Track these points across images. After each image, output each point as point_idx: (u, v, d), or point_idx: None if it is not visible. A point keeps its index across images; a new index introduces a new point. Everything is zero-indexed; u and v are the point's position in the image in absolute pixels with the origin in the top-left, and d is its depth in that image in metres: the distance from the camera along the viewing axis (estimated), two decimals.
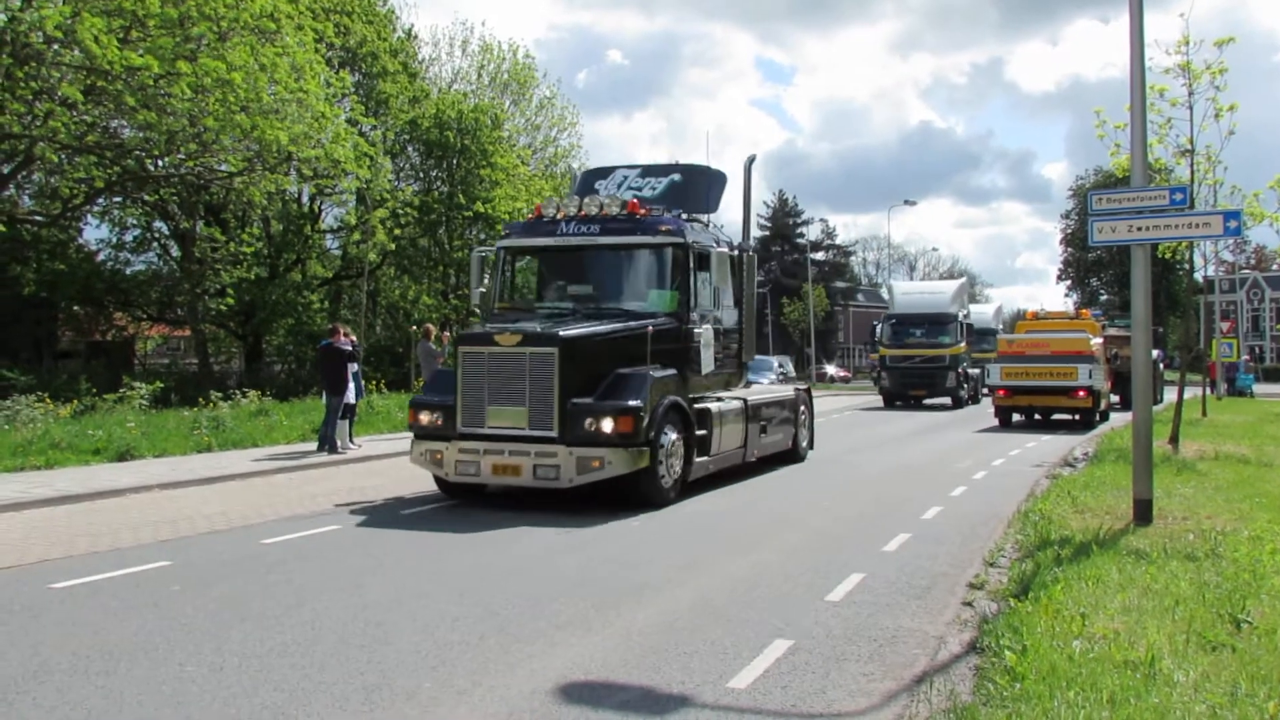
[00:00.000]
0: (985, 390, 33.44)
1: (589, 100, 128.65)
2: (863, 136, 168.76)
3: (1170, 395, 26.12)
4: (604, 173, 15.36)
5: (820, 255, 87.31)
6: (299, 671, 5.76)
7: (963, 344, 35.14)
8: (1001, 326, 42.65)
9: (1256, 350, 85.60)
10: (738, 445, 14.18)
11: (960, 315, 35.81)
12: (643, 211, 13.11)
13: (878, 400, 37.86)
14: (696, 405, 12.96)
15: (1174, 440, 17.42)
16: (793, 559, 9.02)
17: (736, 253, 14.43)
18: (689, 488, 12.90)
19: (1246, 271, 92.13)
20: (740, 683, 5.56)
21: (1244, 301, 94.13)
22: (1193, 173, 16.02)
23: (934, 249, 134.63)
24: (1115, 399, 30.06)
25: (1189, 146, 15.90)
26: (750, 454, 14.65)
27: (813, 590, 7.71)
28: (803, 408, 17.33)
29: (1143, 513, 9.95)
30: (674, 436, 12.13)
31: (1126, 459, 13.06)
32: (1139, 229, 10.09)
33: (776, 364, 38.64)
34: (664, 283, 13.00)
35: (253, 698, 5.33)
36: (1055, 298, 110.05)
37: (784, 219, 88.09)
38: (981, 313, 42.98)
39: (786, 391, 17.15)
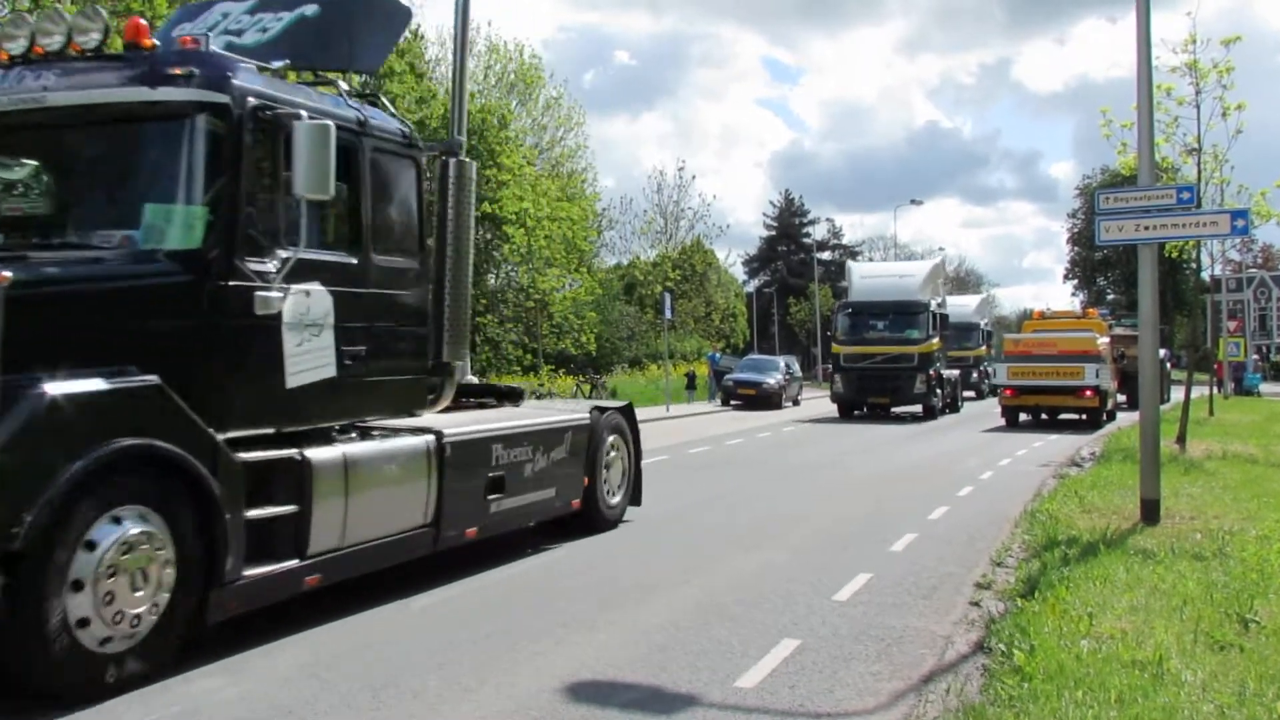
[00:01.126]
0: (970, 394, 32.25)
1: (596, 101, 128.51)
2: (869, 136, 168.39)
3: (1177, 395, 26.07)
4: (199, 9, 8.38)
5: (826, 255, 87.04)
6: (305, 670, 5.77)
7: (935, 340, 28.55)
8: (986, 322, 39.15)
9: (1264, 349, 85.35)
10: (406, 525, 7.45)
11: (933, 305, 29.17)
12: (148, 44, 6.58)
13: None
14: (255, 453, 6.28)
15: (1181, 440, 17.38)
16: (799, 558, 9.01)
17: (406, 145, 8.03)
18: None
19: (1254, 270, 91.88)
20: (748, 682, 5.56)
21: (1251, 300, 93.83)
22: (1200, 172, 15.99)
23: (940, 248, 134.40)
24: (1122, 399, 30.01)
25: (1196, 145, 15.90)
26: (455, 530, 7.97)
27: (820, 590, 7.70)
28: (611, 441, 10.48)
29: (1150, 512, 9.93)
30: (131, 531, 5.36)
31: (1133, 459, 13.03)
32: (1146, 228, 10.06)
33: (784, 364, 38.52)
34: (177, 182, 6.30)
35: (260, 698, 5.34)
36: (1062, 297, 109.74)
37: (790, 218, 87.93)
38: (961, 305, 38.16)
39: (560, 416, 9.84)
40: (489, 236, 38.33)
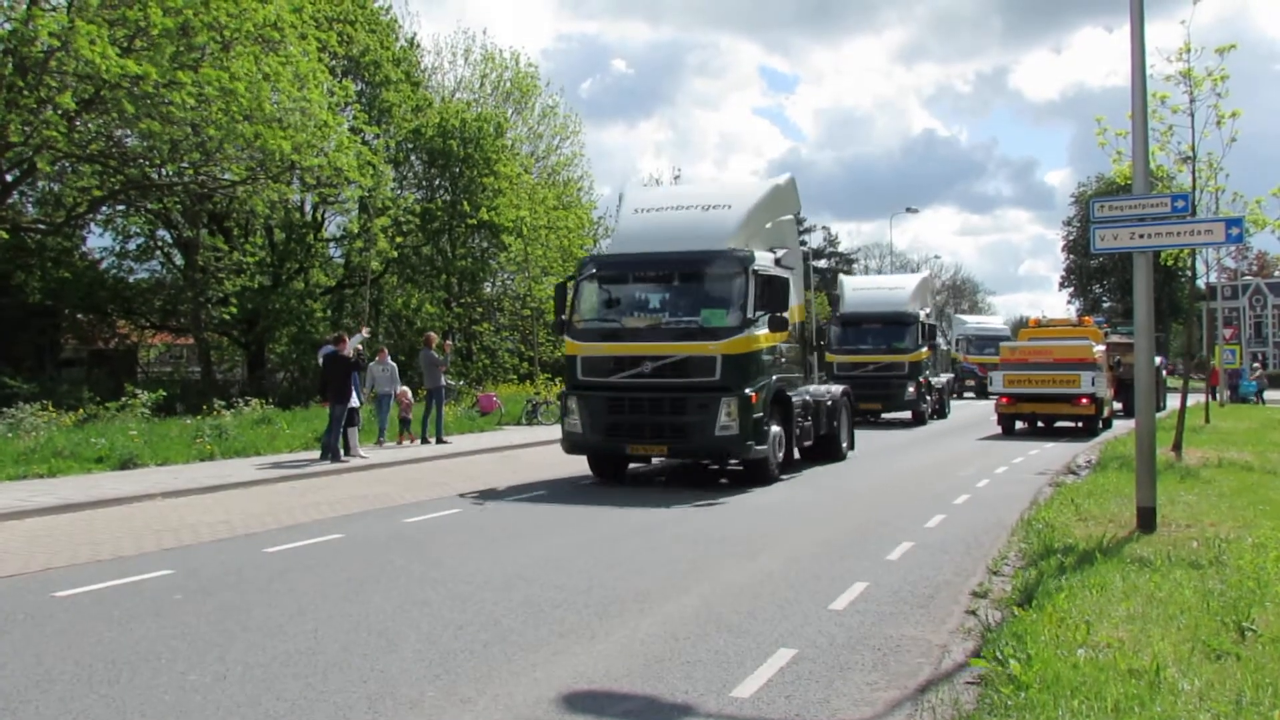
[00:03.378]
0: (903, 417, 29.45)
1: (594, 109, 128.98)
2: (866, 145, 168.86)
3: (1173, 402, 26.09)
4: None
5: (822, 263, 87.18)
6: (302, 681, 5.75)
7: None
8: (928, 313, 32.04)
9: (1261, 356, 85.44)
10: None
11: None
12: None
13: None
14: None
15: (1177, 447, 17.39)
16: (795, 567, 9.01)
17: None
18: None
19: (1249, 278, 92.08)
20: (744, 692, 5.55)
21: (1246, 308, 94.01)
22: (1194, 180, 16.04)
23: (936, 256, 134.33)
24: (1118, 406, 30.01)
25: (1191, 154, 15.93)
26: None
27: (816, 599, 7.70)
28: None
29: (1146, 520, 9.93)
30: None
31: (1130, 466, 13.04)
32: (1141, 236, 10.09)
33: None
34: None
35: (256, 707, 5.32)
36: (1058, 305, 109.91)
37: None
38: (891, 290, 32.14)
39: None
40: (485, 245, 38.30)
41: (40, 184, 30.23)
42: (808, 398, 16.97)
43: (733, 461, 15.59)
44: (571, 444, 15.38)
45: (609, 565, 9.08)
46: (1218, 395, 42.54)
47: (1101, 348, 26.90)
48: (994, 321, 60.76)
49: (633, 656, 6.22)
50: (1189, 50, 15.46)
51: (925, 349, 29.65)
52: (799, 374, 17.03)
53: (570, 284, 15.75)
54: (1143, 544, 9.18)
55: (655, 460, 16.85)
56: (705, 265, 14.97)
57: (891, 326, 29.49)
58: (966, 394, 47.88)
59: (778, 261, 15.74)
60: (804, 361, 17.54)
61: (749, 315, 14.50)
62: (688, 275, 15.21)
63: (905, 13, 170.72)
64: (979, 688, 5.50)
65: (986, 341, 48.76)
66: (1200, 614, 6.60)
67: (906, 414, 29.74)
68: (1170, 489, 12.53)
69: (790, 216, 18.16)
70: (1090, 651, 5.77)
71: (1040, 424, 26.53)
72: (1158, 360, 23.50)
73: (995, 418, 26.67)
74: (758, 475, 15.07)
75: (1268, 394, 51.84)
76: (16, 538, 10.53)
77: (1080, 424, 25.97)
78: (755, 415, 14.45)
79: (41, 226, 31.15)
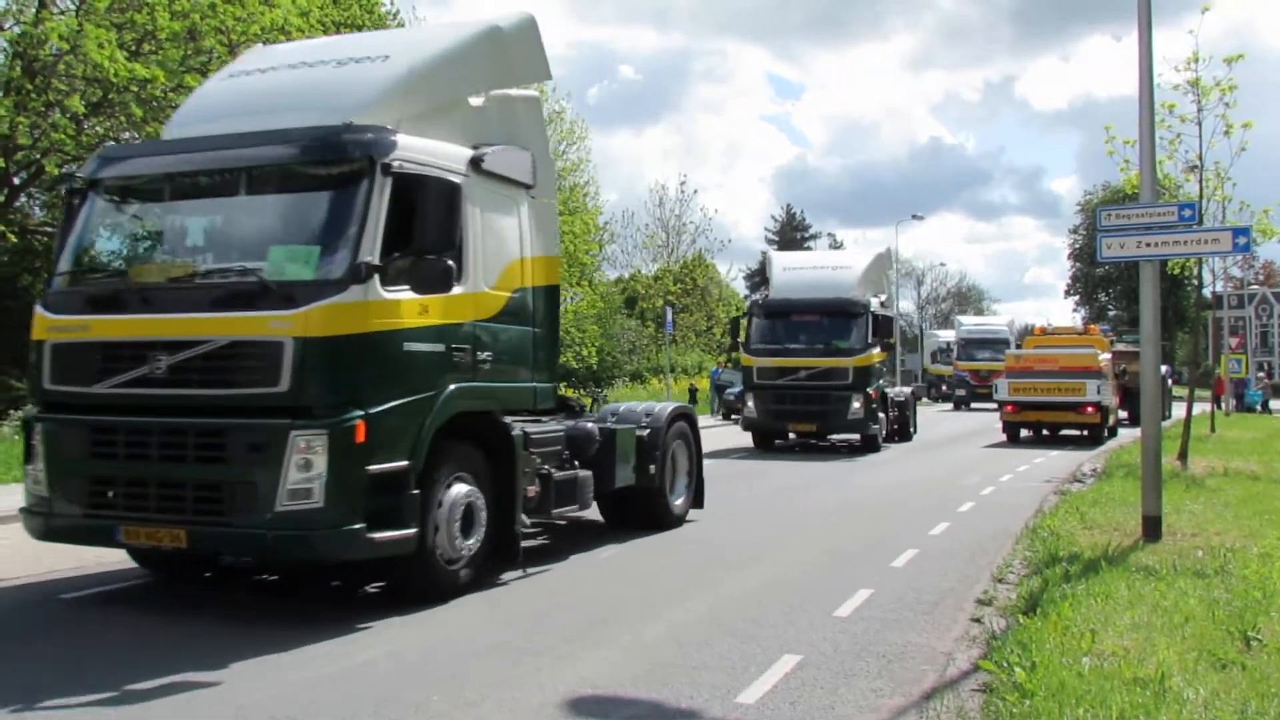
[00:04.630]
0: (955, 407, 26.42)
1: (601, 115, 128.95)
2: (873, 152, 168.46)
3: (1178, 411, 26.04)
4: None
5: None
6: (307, 683, 5.76)
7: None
8: (882, 300, 24.54)
9: (1267, 365, 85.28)
10: None
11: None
12: None
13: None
14: None
15: (1183, 456, 17.37)
16: (800, 574, 9.01)
17: None
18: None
19: (1255, 287, 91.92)
20: (749, 698, 5.56)
21: (1252, 317, 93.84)
22: (1202, 189, 16.05)
23: (941, 264, 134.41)
24: (1124, 415, 29.98)
25: (1198, 162, 15.94)
26: None
27: (821, 606, 7.69)
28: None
29: (1152, 529, 9.92)
30: None
31: (1135, 475, 13.02)
32: (1148, 245, 10.08)
33: None
34: None
35: (260, 711, 5.34)
36: (1064, 313, 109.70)
37: (791, 233, 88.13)
38: (836, 269, 23.91)
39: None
40: None
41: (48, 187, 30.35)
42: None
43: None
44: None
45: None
46: (1223, 404, 42.49)
47: (1107, 356, 26.88)
48: (995, 321, 58.06)
49: (638, 661, 6.23)
50: (1197, 59, 15.48)
51: (878, 350, 22.33)
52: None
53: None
54: (1148, 553, 9.18)
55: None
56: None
57: (833, 318, 22.01)
58: (975, 404, 43.79)
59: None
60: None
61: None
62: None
63: (913, 21, 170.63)
64: (984, 695, 5.51)
65: (984, 344, 47.14)
66: (1206, 623, 6.60)
67: (853, 436, 22.81)
68: (1176, 498, 12.52)
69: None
70: (1095, 660, 5.77)
71: (1045, 432, 26.49)
72: (1163, 369, 23.29)
73: (1000, 426, 26.67)
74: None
75: (1273, 404, 51.73)
76: None
77: (1085, 432, 25.93)
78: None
79: (49, 229, 31.24)
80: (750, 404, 22.28)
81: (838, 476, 17.30)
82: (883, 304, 23.86)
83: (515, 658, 6.28)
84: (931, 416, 37.16)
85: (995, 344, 45.68)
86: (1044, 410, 25.53)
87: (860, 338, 21.63)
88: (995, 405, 27.66)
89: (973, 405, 43.74)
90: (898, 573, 9.08)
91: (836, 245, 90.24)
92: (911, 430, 25.69)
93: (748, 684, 5.78)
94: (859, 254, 27.04)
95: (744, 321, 22.90)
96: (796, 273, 23.76)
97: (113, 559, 9.20)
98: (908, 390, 27.46)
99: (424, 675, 5.93)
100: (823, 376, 21.38)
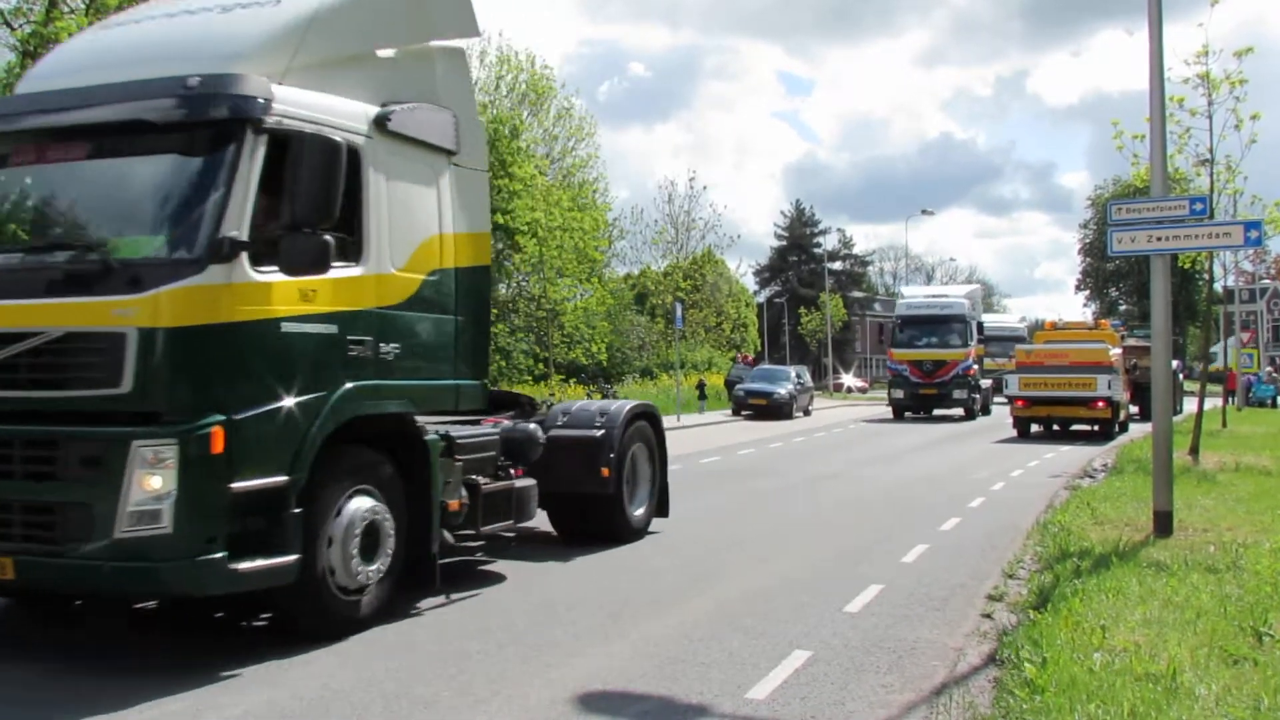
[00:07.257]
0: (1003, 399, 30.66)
1: (612, 112, 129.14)
2: (883, 148, 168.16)
3: (1189, 406, 25.94)
4: None
5: (837, 265, 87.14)
6: (316, 679, 5.78)
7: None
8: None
9: (1277, 360, 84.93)
10: None
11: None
12: None
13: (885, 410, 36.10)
14: None
15: (1194, 451, 17.30)
16: (811, 569, 9.01)
17: None
18: None
19: (1267, 281, 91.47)
20: (759, 693, 5.56)
21: (1264, 311, 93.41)
22: (1212, 182, 15.95)
23: (951, 259, 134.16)
24: (1134, 410, 29.87)
25: (1208, 156, 15.85)
26: None
27: (831, 601, 7.69)
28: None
29: (1163, 524, 9.89)
30: None
31: (1146, 470, 12.98)
32: (1158, 239, 10.04)
33: (794, 374, 38.37)
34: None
35: (271, 707, 5.36)
36: (1074, 308, 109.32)
37: (801, 229, 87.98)
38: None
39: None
40: (500, 247, 38.40)
41: None
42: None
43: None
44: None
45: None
46: (1234, 399, 42.29)
47: (1118, 351, 26.78)
48: (1009, 320, 57.88)
49: (648, 657, 6.23)
50: (1207, 53, 15.38)
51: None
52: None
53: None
54: (1159, 548, 9.15)
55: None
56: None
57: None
58: (914, 410, 36.40)
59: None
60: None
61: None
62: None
63: (924, 17, 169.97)
64: (994, 691, 5.50)
65: (928, 325, 34.32)
66: (1217, 619, 6.58)
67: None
68: (1187, 493, 12.47)
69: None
70: (1106, 655, 5.76)
71: (1055, 427, 26.40)
72: (1174, 364, 23.20)
73: (1010, 421, 26.61)
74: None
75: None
76: None
77: (1096, 427, 25.84)
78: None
79: None
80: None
81: (849, 472, 17.28)
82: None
83: (525, 653, 6.28)
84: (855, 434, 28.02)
85: (946, 324, 33.94)
86: (1055, 405, 25.45)
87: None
88: (957, 413, 33.51)
89: (908, 414, 34.20)
90: (908, 568, 9.07)
91: (846, 240, 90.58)
92: (989, 408, 35.02)
93: (758, 679, 5.78)
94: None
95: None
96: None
97: None
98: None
99: None
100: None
